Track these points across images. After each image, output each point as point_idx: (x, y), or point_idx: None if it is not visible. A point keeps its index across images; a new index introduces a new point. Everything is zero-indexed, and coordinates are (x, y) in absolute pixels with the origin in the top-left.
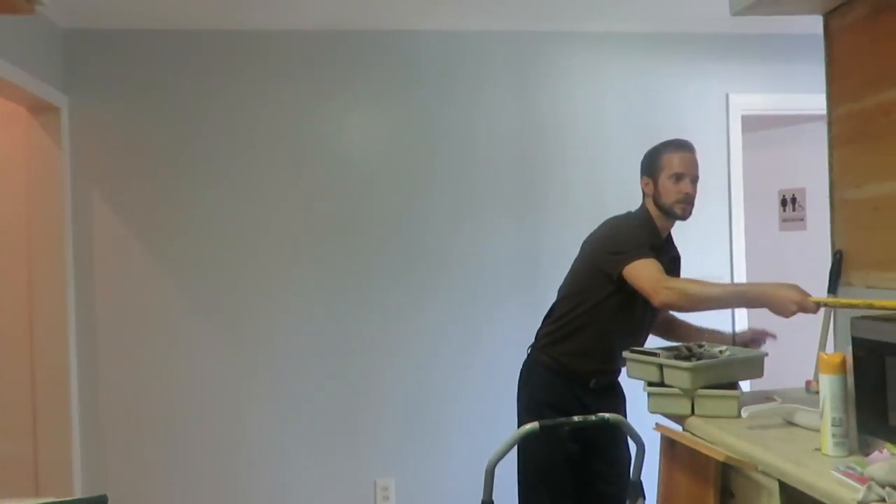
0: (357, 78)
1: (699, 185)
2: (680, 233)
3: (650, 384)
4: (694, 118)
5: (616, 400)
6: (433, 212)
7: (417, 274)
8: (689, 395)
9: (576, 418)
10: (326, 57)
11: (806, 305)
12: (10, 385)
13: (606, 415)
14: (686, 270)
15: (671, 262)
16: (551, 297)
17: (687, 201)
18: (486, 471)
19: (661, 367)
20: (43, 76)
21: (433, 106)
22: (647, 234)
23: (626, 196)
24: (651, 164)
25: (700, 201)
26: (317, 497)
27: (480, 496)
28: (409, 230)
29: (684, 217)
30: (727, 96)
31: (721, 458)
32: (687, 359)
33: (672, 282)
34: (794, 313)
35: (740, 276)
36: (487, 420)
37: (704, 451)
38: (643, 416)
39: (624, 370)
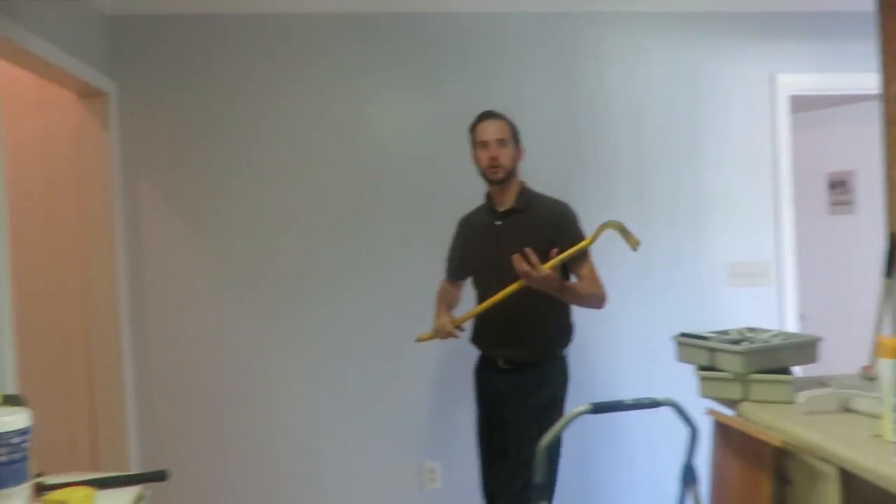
0: (394, 61)
1: (739, 171)
2: (723, 218)
3: (701, 368)
4: (738, 100)
5: (530, 384)
6: (470, 197)
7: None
8: (742, 379)
9: (628, 400)
10: (366, 40)
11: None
12: (68, 366)
13: (659, 397)
14: (731, 256)
15: (519, 230)
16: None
17: (494, 164)
18: (538, 453)
19: (711, 350)
20: (91, 62)
21: (469, 90)
22: (470, 226)
23: (668, 180)
24: (470, 142)
25: (744, 185)
26: (363, 477)
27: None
28: (446, 214)
29: (496, 180)
30: (773, 76)
31: (778, 444)
32: (738, 343)
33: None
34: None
35: (788, 262)
36: None
37: (760, 437)
38: (691, 399)
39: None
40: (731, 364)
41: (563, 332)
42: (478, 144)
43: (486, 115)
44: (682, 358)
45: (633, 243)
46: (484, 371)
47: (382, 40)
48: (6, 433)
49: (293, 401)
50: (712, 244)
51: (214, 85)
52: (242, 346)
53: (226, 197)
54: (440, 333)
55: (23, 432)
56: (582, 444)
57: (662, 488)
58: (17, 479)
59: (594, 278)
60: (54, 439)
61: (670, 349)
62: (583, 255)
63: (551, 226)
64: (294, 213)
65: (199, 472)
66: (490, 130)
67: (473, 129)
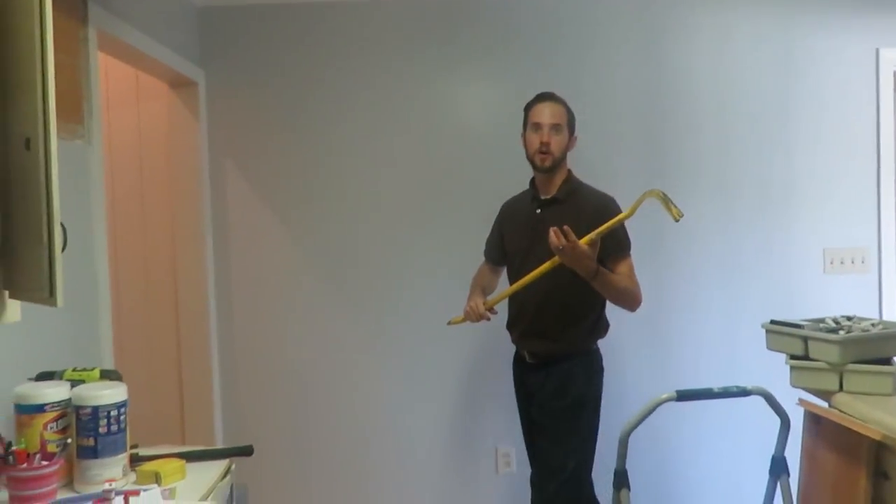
0: (478, 47)
1: (836, 152)
2: (816, 201)
3: (793, 357)
4: (837, 78)
5: (556, 383)
6: None
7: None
8: (838, 369)
9: (716, 389)
10: (449, 26)
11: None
12: (159, 344)
13: (748, 386)
14: (825, 242)
15: (558, 221)
16: (672, 271)
17: (543, 150)
18: (620, 439)
19: (805, 339)
20: (182, 52)
21: (553, 74)
22: (511, 210)
23: (757, 162)
24: (523, 122)
25: (841, 167)
26: (438, 461)
27: (599, 462)
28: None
29: (542, 167)
30: (877, 51)
31: (878, 438)
32: (834, 332)
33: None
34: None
35: (891, 248)
36: (609, 390)
37: (857, 429)
38: (778, 389)
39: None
40: (827, 353)
41: (594, 326)
42: (531, 126)
43: (545, 97)
44: (773, 346)
45: (676, 214)
46: (515, 365)
47: (465, 26)
48: (105, 406)
49: (372, 384)
50: (804, 229)
51: (298, 73)
52: (323, 328)
53: (308, 183)
54: (471, 316)
55: (120, 406)
56: (663, 433)
57: (746, 480)
58: (116, 450)
59: (631, 276)
60: (145, 413)
61: (757, 338)
62: (622, 251)
63: (593, 216)
64: (375, 200)
65: (279, 448)
66: (546, 113)
67: (529, 108)
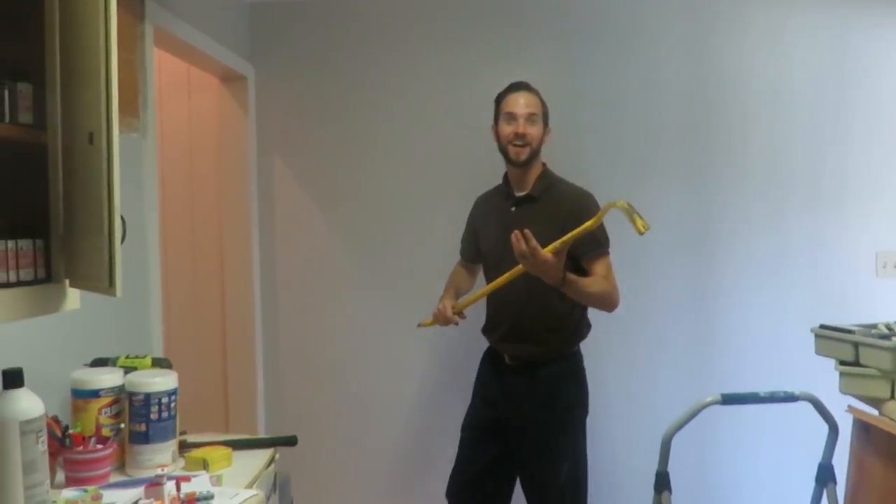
0: (526, 41)
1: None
2: (870, 202)
3: (842, 363)
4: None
5: (544, 388)
6: (598, 175)
7: None
8: (890, 377)
9: (762, 393)
10: (497, 21)
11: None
12: (205, 333)
13: (796, 391)
14: (879, 245)
15: (532, 220)
16: (717, 270)
17: (519, 142)
18: (662, 441)
19: (856, 345)
20: (232, 47)
21: (602, 68)
22: (485, 207)
23: (811, 163)
24: (494, 112)
25: None
26: None
27: (640, 463)
28: None
29: (518, 161)
30: None
31: None
32: (887, 338)
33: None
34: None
35: None
36: (648, 389)
37: None
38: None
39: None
40: (879, 360)
41: (577, 328)
42: (503, 116)
43: (519, 86)
44: (822, 351)
45: (641, 227)
46: (490, 366)
47: (512, 17)
48: (157, 393)
49: (413, 376)
50: (856, 231)
51: (345, 67)
52: (365, 320)
53: (353, 176)
54: (439, 319)
55: (171, 393)
56: (706, 437)
57: (791, 488)
58: (166, 436)
59: (608, 277)
60: (191, 401)
61: (805, 342)
62: (598, 249)
63: (569, 216)
64: (420, 194)
65: (320, 439)
66: (521, 103)
67: (501, 99)
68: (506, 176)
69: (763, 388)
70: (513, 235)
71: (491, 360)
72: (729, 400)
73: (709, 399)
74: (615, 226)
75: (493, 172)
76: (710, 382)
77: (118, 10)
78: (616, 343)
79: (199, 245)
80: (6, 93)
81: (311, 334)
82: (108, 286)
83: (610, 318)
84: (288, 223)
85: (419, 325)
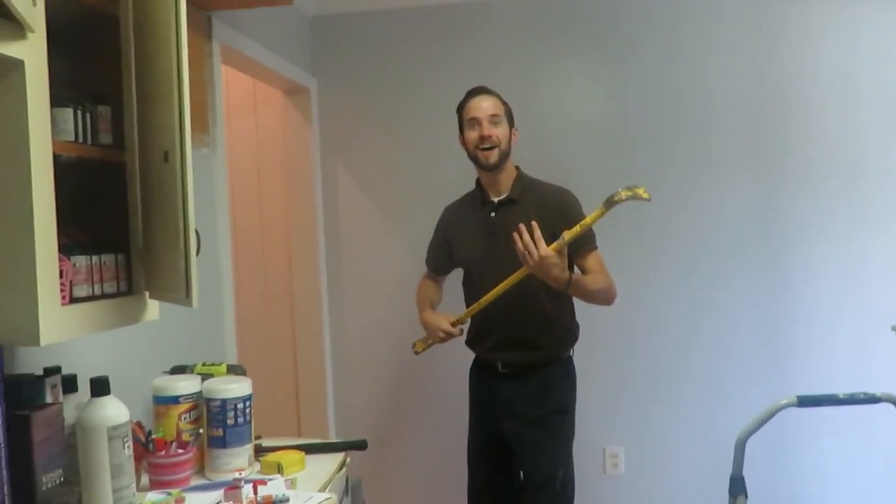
0: (583, 40)
1: None
2: None
3: None
4: None
5: (536, 392)
6: (666, 172)
7: (644, 239)
8: None
9: (841, 395)
10: (551, 26)
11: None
12: (276, 340)
13: (878, 392)
14: None
15: (516, 223)
16: (786, 263)
17: (486, 144)
18: (737, 444)
19: None
20: (296, 61)
21: (662, 60)
22: (458, 217)
23: (885, 159)
24: (458, 124)
25: None
26: None
27: (712, 466)
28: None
29: (488, 164)
30: None
31: None
32: None
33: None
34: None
35: None
36: (718, 391)
37: None
38: None
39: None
40: None
41: (569, 332)
42: (467, 123)
43: (477, 91)
44: None
45: (646, 194)
46: (481, 376)
47: (571, 25)
48: (233, 399)
49: None
50: None
51: (404, 77)
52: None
53: (415, 183)
54: (436, 336)
55: (246, 399)
56: (782, 440)
57: (873, 493)
58: (242, 440)
59: (603, 271)
60: (263, 406)
61: (886, 343)
62: (588, 245)
63: (555, 214)
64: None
65: (389, 443)
66: (482, 107)
67: (462, 107)
68: (478, 183)
69: (841, 390)
70: (514, 234)
71: (480, 370)
72: (805, 402)
73: (784, 401)
74: (667, 224)
75: (555, 171)
76: (784, 384)
77: (188, 30)
78: (682, 341)
79: (267, 254)
80: (87, 116)
81: (379, 339)
82: (185, 297)
83: (677, 322)
84: (352, 230)
85: (416, 351)
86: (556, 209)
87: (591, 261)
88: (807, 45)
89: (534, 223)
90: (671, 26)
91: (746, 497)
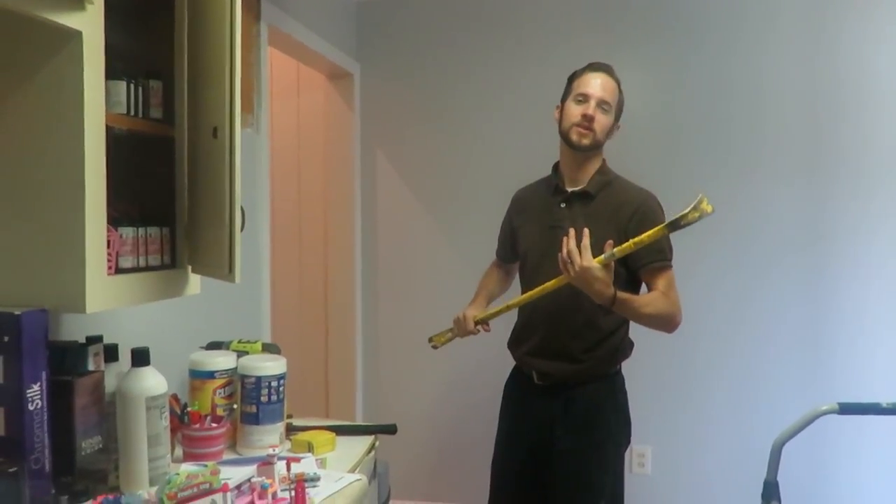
0: (630, 30)
1: None
2: None
3: None
4: None
5: (579, 412)
6: (714, 170)
7: (685, 235)
8: None
9: (885, 403)
10: (599, 13)
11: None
12: (309, 320)
13: None
14: None
15: (585, 218)
16: (832, 267)
17: (585, 125)
18: (773, 449)
19: None
20: (340, 46)
21: (717, 56)
22: (527, 202)
23: None
24: (564, 89)
25: None
26: None
27: (743, 470)
28: (680, 189)
29: (579, 145)
30: None
31: None
32: None
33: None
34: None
35: None
36: (750, 392)
37: None
38: None
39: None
40: None
41: (620, 346)
42: (574, 96)
43: (599, 67)
44: None
45: (710, 208)
46: (517, 386)
47: (620, 16)
48: (267, 377)
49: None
50: None
51: (448, 65)
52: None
53: (454, 173)
54: (459, 329)
55: (280, 377)
56: (820, 447)
57: None
58: (275, 418)
59: (668, 294)
60: (294, 386)
61: None
62: (661, 261)
63: (630, 219)
64: (517, 188)
65: (416, 429)
66: (597, 85)
67: (575, 77)
68: (556, 167)
69: (884, 399)
70: (564, 237)
71: (516, 382)
72: (847, 409)
73: (825, 408)
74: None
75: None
76: (825, 390)
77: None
78: (719, 341)
79: (305, 236)
80: (140, 90)
81: (410, 326)
82: (228, 273)
83: (715, 320)
84: (389, 217)
85: (433, 344)
86: (634, 214)
87: (656, 278)
88: (865, 47)
89: (585, 230)
90: (728, 22)
91: (780, 503)
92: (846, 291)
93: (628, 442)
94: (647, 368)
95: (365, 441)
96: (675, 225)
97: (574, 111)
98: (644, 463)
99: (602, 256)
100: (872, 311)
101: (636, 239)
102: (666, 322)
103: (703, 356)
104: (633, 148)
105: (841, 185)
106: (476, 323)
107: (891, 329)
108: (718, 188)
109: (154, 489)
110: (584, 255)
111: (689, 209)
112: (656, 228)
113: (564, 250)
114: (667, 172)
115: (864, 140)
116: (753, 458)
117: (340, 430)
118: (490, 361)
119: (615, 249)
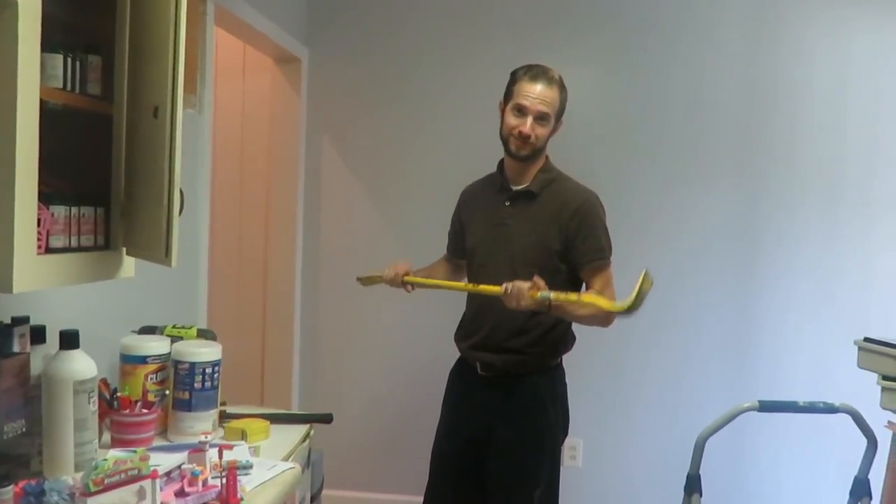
0: (580, 34)
1: None
2: None
3: (885, 378)
4: None
5: (522, 403)
6: (647, 171)
7: (614, 234)
8: None
9: (801, 402)
10: (548, 8)
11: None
12: (247, 307)
13: (836, 402)
14: None
15: (528, 219)
16: (759, 271)
17: (521, 139)
18: (696, 444)
19: None
20: (289, 29)
21: (655, 58)
22: (474, 199)
23: (868, 168)
24: (506, 89)
25: None
26: None
27: (668, 463)
28: (618, 192)
29: (517, 156)
30: None
31: None
32: None
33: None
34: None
35: None
36: (676, 389)
37: None
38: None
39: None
40: None
41: (563, 339)
42: (513, 105)
43: (539, 75)
44: (864, 365)
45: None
46: (460, 376)
47: (566, 14)
48: (202, 363)
49: (449, 359)
50: None
51: (397, 53)
52: (404, 303)
53: (401, 160)
54: (391, 277)
55: (215, 364)
56: (740, 443)
57: (824, 500)
58: (208, 405)
59: (604, 294)
60: (228, 373)
61: (848, 354)
62: (602, 258)
63: (568, 215)
64: (468, 179)
65: (352, 418)
66: (535, 95)
67: (515, 82)
68: (501, 165)
69: (802, 398)
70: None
71: (459, 372)
72: (767, 407)
73: (746, 405)
74: (643, 220)
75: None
76: (747, 389)
77: None
78: (648, 338)
79: (245, 222)
80: (77, 64)
81: (350, 315)
82: (164, 256)
83: (645, 319)
84: (333, 205)
85: (363, 282)
86: (574, 212)
87: (594, 276)
88: (801, 58)
89: (538, 279)
90: (669, 25)
91: (701, 495)
92: (771, 295)
93: (565, 434)
94: (578, 364)
95: (300, 430)
96: (629, 311)
97: (512, 122)
98: (576, 456)
99: (539, 295)
100: (795, 315)
101: (573, 295)
102: (601, 319)
103: (633, 353)
104: (572, 143)
105: (770, 191)
106: (404, 281)
107: (811, 332)
108: (651, 190)
109: (80, 475)
110: (524, 298)
111: (635, 291)
112: (602, 300)
113: (510, 286)
114: (604, 168)
115: (794, 149)
116: (679, 452)
117: (275, 419)
118: (429, 353)
119: (552, 295)
